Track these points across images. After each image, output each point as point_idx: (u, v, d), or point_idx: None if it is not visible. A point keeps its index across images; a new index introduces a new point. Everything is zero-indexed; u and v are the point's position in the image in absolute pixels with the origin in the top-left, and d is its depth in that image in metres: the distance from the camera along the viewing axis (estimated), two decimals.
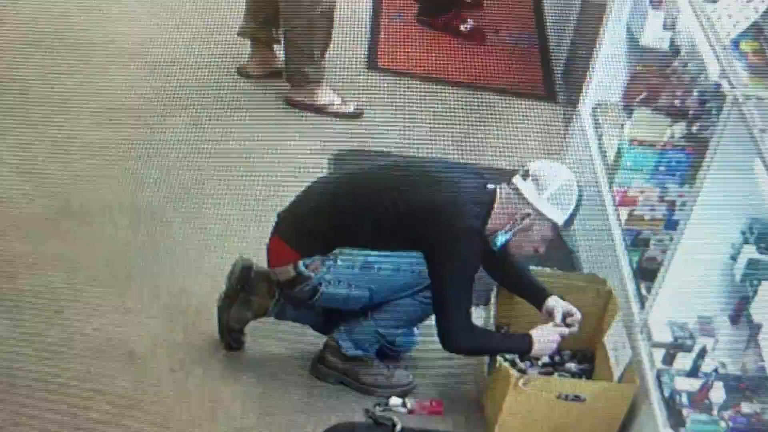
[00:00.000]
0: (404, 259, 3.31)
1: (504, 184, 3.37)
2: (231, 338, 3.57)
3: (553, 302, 3.46)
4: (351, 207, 3.37)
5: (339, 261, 3.33)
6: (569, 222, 3.35)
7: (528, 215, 3.30)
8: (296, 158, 4.57)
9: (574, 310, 3.45)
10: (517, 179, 3.34)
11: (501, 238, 3.33)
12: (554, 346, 3.42)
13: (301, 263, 3.35)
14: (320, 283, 3.35)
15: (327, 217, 3.40)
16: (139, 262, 3.91)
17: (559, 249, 3.44)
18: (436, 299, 3.32)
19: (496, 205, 3.34)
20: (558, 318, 3.43)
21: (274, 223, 3.47)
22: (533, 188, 3.30)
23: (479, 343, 3.42)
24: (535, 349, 3.40)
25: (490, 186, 3.39)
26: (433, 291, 3.32)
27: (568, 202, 3.32)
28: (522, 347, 3.42)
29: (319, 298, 3.39)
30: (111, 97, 4.79)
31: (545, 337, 3.40)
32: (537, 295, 3.51)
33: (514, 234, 3.33)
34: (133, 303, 3.72)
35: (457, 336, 3.33)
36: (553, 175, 3.33)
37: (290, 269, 3.37)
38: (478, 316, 3.56)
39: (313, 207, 3.44)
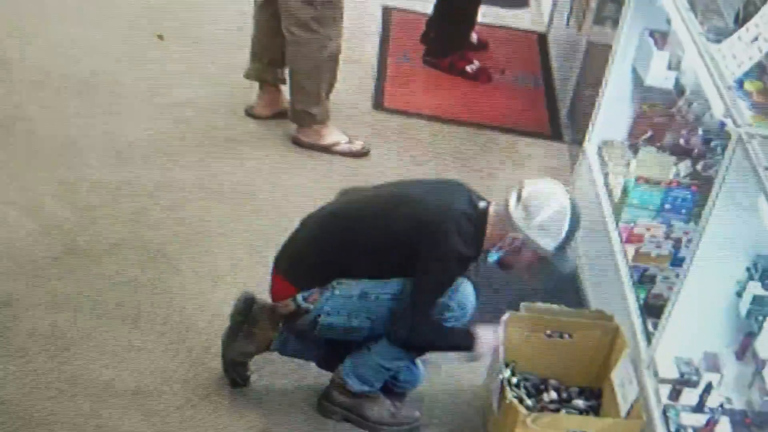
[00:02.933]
0: (401, 288, 3.35)
1: (497, 204, 3.40)
2: (236, 373, 3.62)
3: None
4: (342, 237, 3.42)
5: (337, 291, 3.37)
6: (561, 248, 3.36)
7: (517, 239, 3.34)
8: (303, 197, 4.58)
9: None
10: (511, 200, 3.35)
11: (492, 256, 3.38)
12: (494, 344, 3.46)
13: (299, 296, 3.41)
14: (319, 315, 3.40)
15: (319, 249, 3.45)
16: (146, 299, 3.95)
17: (567, 286, 3.46)
18: (411, 301, 3.32)
19: (490, 222, 3.37)
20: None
21: (274, 259, 3.54)
22: (522, 215, 3.32)
23: (429, 338, 3.40)
24: (478, 350, 3.43)
25: (482, 204, 3.43)
26: (412, 295, 3.33)
27: (559, 230, 3.34)
28: (467, 345, 3.43)
29: (320, 330, 3.43)
30: (119, 137, 4.86)
31: (486, 336, 3.43)
32: None
33: (504, 253, 3.37)
34: (140, 341, 3.77)
35: (412, 335, 3.34)
36: (544, 203, 3.34)
37: (290, 303, 3.43)
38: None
39: (306, 240, 3.50)
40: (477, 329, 3.43)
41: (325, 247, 3.45)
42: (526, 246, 3.35)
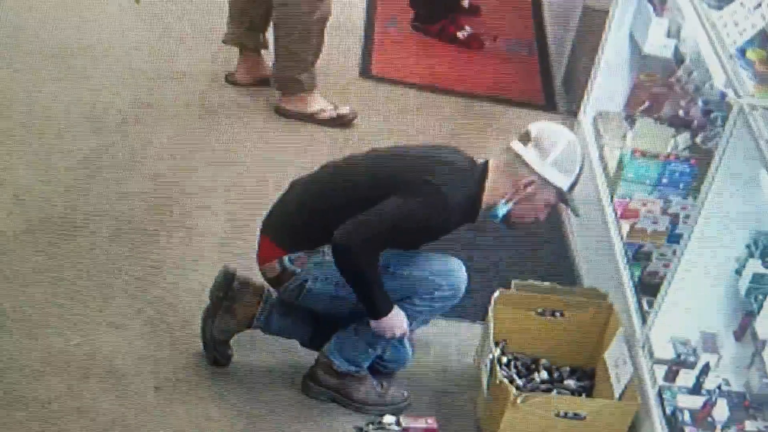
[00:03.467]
0: (393, 260, 3.35)
1: (502, 155, 3.38)
2: (216, 352, 3.61)
3: None
4: (333, 197, 3.41)
5: (327, 257, 3.34)
6: (573, 186, 3.36)
7: (532, 182, 3.31)
8: (287, 167, 4.55)
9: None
10: (516, 145, 3.34)
11: (502, 209, 3.35)
12: (400, 332, 3.41)
13: (286, 258, 3.40)
14: (306, 280, 3.40)
15: (310, 210, 3.44)
16: (123, 275, 3.95)
17: (560, 259, 3.47)
18: (368, 214, 3.27)
19: (492, 176, 3.36)
20: None
21: (261, 221, 3.54)
22: (536, 154, 3.31)
23: (364, 263, 3.28)
24: (384, 324, 3.37)
25: (480, 160, 3.42)
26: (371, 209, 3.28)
27: (573, 166, 3.34)
28: (381, 309, 3.36)
29: (305, 296, 3.43)
30: (94, 105, 4.85)
31: (399, 318, 3.39)
32: None
33: (515, 203, 3.35)
34: (116, 318, 3.76)
35: (354, 240, 3.25)
36: (556, 138, 3.33)
37: (276, 265, 3.42)
38: (476, 331, 3.60)
39: (295, 202, 3.49)
40: (397, 307, 3.39)
41: (315, 209, 3.44)
42: (540, 189, 3.33)
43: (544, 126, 3.39)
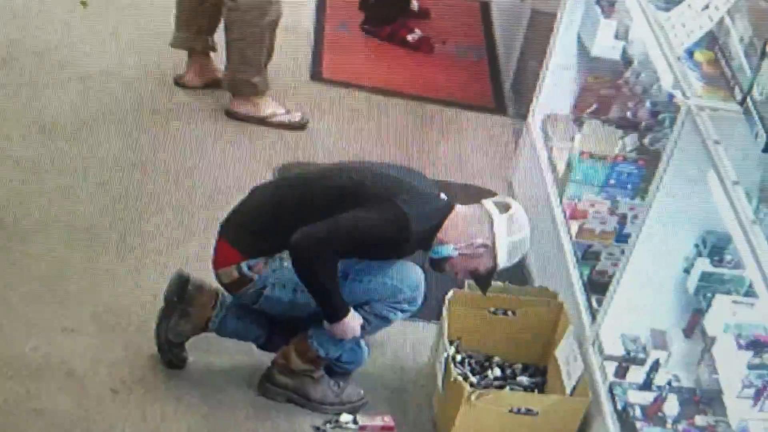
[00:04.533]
0: (353, 268, 3.44)
1: (472, 204, 3.50)
2: (171, 354, 3.67)
3: None
4: (293, 205, 3.47)
5: (285, 263, 3.42)
6: (500, 270, 3.51)
7: (485, 246, 3.43)
8: (239, 171, 4.66)
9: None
10: (491, 207, 3.46)
11: (446, 251, 3.45)
12: (352, 335, 3.50)
13: (244, 264, 3.46)
14: (264, 286, 3.46)
15: (269, 217, 3.49)
16: (77, 279, 3.99)
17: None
18: (329, 219, 3.35)
19: (454, 219, 3.46)
20: None
21: (219, 226, 3.58)
22: (505, 227, 3.43)
23: (319, 264, 3.35)
24: (340, 327, 3.46)
25: (443, 197, 3.52)
26: (331, 215, 3.35)
27: (516, 255, 3.50)
28: (337, 312, 3.44)
29: (263, 302, 3.50)
30: (42, 110, 4.87)
31: (354, 322, 3.48)
32: None
33: (459, 254, 3.45)
34: (71, 322, 3.80)
35: (311, 244, 3.32)
36: (524, 225, 3.48)
37: (233, 270, 3.48)
38: (431, 330, 3.70)
39: (256, 207, 3.55)
40: (353, 310, 3.48)
41: (276, 216, 3.49)
42: (484, 256, 3.45)
43: (520, 208, 3.51)
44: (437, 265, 3.52)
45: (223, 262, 3.52)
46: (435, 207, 3.48)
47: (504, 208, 3.46)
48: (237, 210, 3.59)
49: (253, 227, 3.52)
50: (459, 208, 3.50)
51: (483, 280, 3.54)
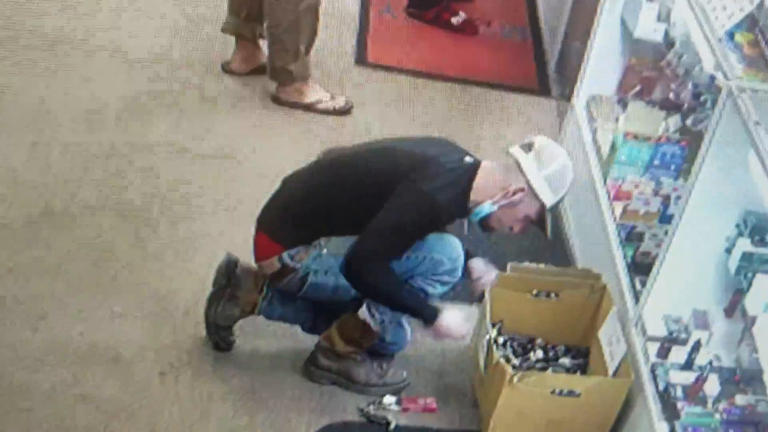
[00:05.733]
0: None
1: (493, 160, 3.51)
2: (219, 337, 3.75)
3: (474, 263, 3.66)
4: (325, 192, 3.52)
5: (325, 250, 3.48)
6: (556, 206, 3.50)
7: (521, 190, 3.43)
8: (284, 157, 4.69)
9: (488, 271, 3.65)
10: (516, 151, 3.46)
11: (485, 209, 3.45)
12: (459, 333, 3.52)
13: (285, 254, 3.51)
14: (307, 274, 3.51)
15: (304, 204, 3.55)
16: (125, 265, 4.08)
17: (555, 241, 3.59)
18: (370, 226, 3.38)
19: (483, 176, 3.46)
20: (474, 275, 3.63)
21: (256, 219, 3.65)
22: (534, 164, 3.43)
23: (382, 279, 3.41)
24: (441, 328, 3.47)
25: (468, 159, 3.52)
26: (370, 225, 3.38)
27: (562, 186, 3.47)
28: (425, 315, 3.47)
29: (308, 289, 3.55)
30: (91, 96, 4.96)
31: (454, 323, 3.49)
32: None
33: (499, 207, 3.46)
34: (119, 307, 3.88)
35: (364, 261, 3.37)
36: (555, 156, 3.46)
37: (275, 262, 3.54)
38: (473, 313, 3.75)
39: (290, 197, 3.60)
40: (447, 309, 3.50)
41: (310, 203, 3.55)
42: (525, 200, 3.45)
43: (547, 141, 3.51)
44: (485, 226, 3.54)
45: (264, 255, 3.59)
46: (457, 172, 3.47)
47: (528, 147, 3.46)
48: (271, 202, 3.65)
49: (289, 217, 3.57)
50: (485, 164, 3.50)
51: (539, 223, 3.52)
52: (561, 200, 3.53)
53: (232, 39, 5.29)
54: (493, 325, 3.77)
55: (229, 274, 3.69)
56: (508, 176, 3.45)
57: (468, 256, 3.64)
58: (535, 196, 3.45)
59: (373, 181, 3.45)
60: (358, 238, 3.40)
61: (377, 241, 3.39)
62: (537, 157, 3.44)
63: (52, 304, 3.86)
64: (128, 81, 5.13)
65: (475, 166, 3.50)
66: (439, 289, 3.56)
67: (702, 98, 4.12)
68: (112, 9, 5.62)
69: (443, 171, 3.44)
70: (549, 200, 3.46)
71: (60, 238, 4.15)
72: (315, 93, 5.14)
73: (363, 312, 3.56)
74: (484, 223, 3.53)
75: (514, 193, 3.44)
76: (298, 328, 3.82)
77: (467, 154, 3.57)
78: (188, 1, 5.75)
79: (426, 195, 3.38)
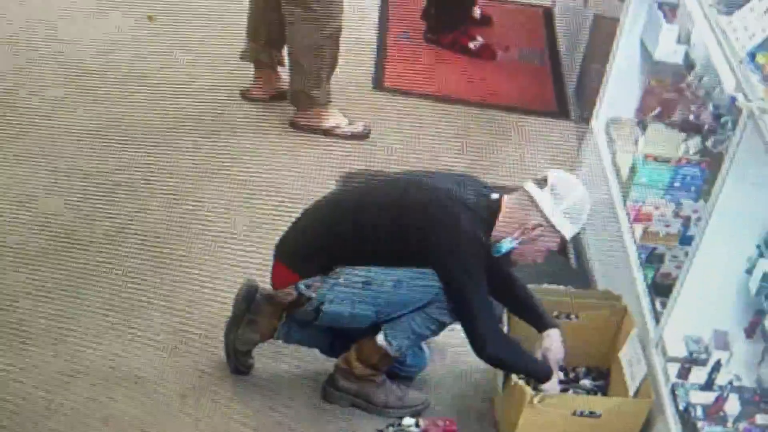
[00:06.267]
0: (406, 274, 3.49)
1: (515, 192, 3.54)
2: (238, 362, 3.78)
3: (546, 340, 3.68)
4: (345, 223, 3.57)
5: (341, 279, 3.52)
6: (574, 237, 3.55)
7: (539, 226, 3.48)
8: (304, 181, 4.77)
9: (555, 351, 3.67)
10: (530, 187, 3.50)
11: (506, 245, 3.50)
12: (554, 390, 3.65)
13: (301, 284, 3.55)
14: (322, 303, 3.54)
15: (322, 235, 3.60)
16: (145, 288, 4.12)
17: (568, 266, 3.63)
18: (457, 311, 3.49)
19: (504, 211, 3.51)
20: (536, 354, 3.67)
21: (273, 248, 3.69)
22: (550, 200, 3.47)
23: (511, 353, 3.56)
24: (548, 384, 3.61)
25: (494, 195, 3.56)
26: (451, 304, 3.48)
27: (580, 217, 3.51)
28: (541, 375, 3.61)
29: (323, 318, 3.58)
30: (112, 123, 5.02)
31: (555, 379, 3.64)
32: (537, 324, 3.73)
33: (519, 243, 3.50)
34: (139, 330, 3.93)
35: (489, 343, 3.48)
36: (571, 188, 3.50)
37: (292, 291, 3.58)
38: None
39: (309, 227, 3.65)
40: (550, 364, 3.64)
41: (329, 234, 3.59)
42: (545, 234, 3.49)
43: (561, 174, 3.55)
44: (507, 261, 3.58)
45: (281, 284, 3.64)
46: (484, 209, 3.51)
47: (543, 182, 3.49)
48: (290, 232, 3.69)
49: (308, 248, 3.62)
50: (505, 201, 3.54)
51: (561, 252, 3.57)
52: (580, 229, 3.57)
53: (251, 66, 5.33)
54: None
55: (248, 301, 3.73)
56: (527, 212, 3.49)
57: (547, 324, 3.71)
58: (555, 231, 3.49)
59: (393, 217, 3.50)
60: (463, 326, 3.50)
61: (478, 317, 3.47)
62: (552, 192, 3.47)
63: (73, 327, 3.90)
64: (148, 107, 5.18)
65: (498, 203, 3.54)
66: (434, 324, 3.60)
67: (722, 120, 4.12)
68: (133, 38, 5.68)
69: (471, 208, 3.48)
70: (569, 233, 3.51)
71: (80, 262, 4.20)
72: (333, 118, 5.19)
73: (380, 339, 3.60)
74: (505, 259, 3.57)
75: (533, 229, 3.48)
76: (316, 351, 3.85)
77: (491, 189, 3.61)
78: (208, 31, 5.79)
79: (465, 232, 3.43)
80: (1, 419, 3.51)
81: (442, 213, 3.45)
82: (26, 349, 3.78)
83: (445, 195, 3.49)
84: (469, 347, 3.54)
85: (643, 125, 4.56)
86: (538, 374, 3.62)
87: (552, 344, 3.66)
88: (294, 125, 5.20)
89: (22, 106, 5.06)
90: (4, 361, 3.72)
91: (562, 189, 3.48)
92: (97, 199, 4.54)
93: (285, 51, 5.18)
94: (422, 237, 3.45)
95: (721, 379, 3.50)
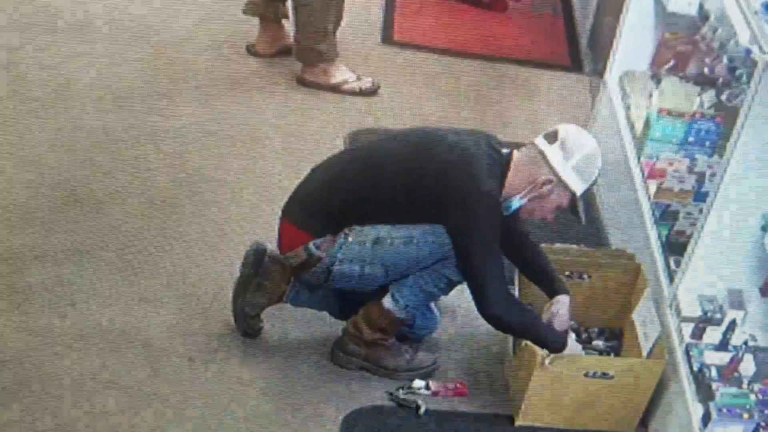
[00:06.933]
0: (416, 230, 3.46)
1: (524, 147, 3.51)
2: (247, 325, 3.78)
3: (549, 304, 3.67)
4: (357, 181, 3.54)
5: (350, 239, 3.50)
6: (587, 192, 3.51)
7: (549, 182, 3.45)
8: (311, 138, 4.76)
9: (562, 318, 3.65)
10: (540, 142, 3.47)
11: (515, 203, 3.48)
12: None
13: (311, 244, 3.54)
14: (333, 263, 3.53)
15: (333, 194, 3.57)
16: (152, 250, 4.12)
17: (580, 224, 3.60)
18: (465, 270, 3.46)
19: (514, 167, 3.48)
20: (552, 308, 3.65)
21: (281, 208, 3.68)
22: (560, 155, 3.44)
23: (518, 316, 3.53)
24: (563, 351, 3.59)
25: (505, 150, 3.53)
26: (459, 262, 3.45)
27: (591, 173, 3.48)
28: (556, 344, 3.57)
29: (333, 279, 3.58)
30: (115, 80, 5.02)
31: (572, 347, 3.62)
32: (547, 290, 3.72)
33: (529, 199, 3.48)
34: (147, 292, 3.93)
35: (493, 303, 3.44)
36: (581, 143, 3.47)
37: (301, 252, 3.56)
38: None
39: (319, 185, 3.63)
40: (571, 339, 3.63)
41: (341, 192, 3.57)
42: (555, 190, 3.47)
43: (571, 129, 3.52)
44: (517, 218, 3.57)
45: (289, 244, 3.61)
46: (496, 165, 3.48)
47: (552, 137, 3.46)
48: (299, 190, 3.66)
49: (319, 207, 3.59)
50: (515, 156, 3.51)
51: (572, 210, 3.54)
52: (592, 186, 3.55)
53: (256, 20, 5.31)
54: None
55: (257, 264, 3.72)
56: (536, 168, 3.46)
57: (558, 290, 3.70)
58: (565, 187, 3.47)
59: (409, 174, 3.47)
60: (470, 287, 3.48)
61: (487, 279, 3.44)
62: (562, 147, 3.45)
63: (80, 291, 3.91)
64: (152, 63, 5.18)
65: (508, 159, 3.52)
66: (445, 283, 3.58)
67: (737, 73, 4.12)
68: None
69: (485, 165, 3.45)
70: (579, 189, 3.48)
71: (87, 223, 4.20)
72: (341, 73, 5.17)
73: (387, 301, 3.60)
74: (515, 215, 3.55)
75: (543, 185, 3.46)
76: (325, 314, 3.86)
77: (503, 145, 3.58)
78: None
79: (485, 194, 3.40)
80: (7, 383, 3.53)
81: (460, 173, 3.43)
82: (33, 312, 3.79)
83: (461, 153, 3.46)
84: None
85: (657, 79, 4.54)
86: (547, 343, 3.57)
87: (559, 310, 3.64)
88: (301, 81, 5.19)
89: (21, 61, 5.06)
90: (9, 325, 3.73)
91: (572, 144, 3.46)
92: (101, 158, 4.54)
93: (288, 4, 5.15)
94: (439, 196, 3.43)
95: (735, 339, 3.49)
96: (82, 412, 3.49)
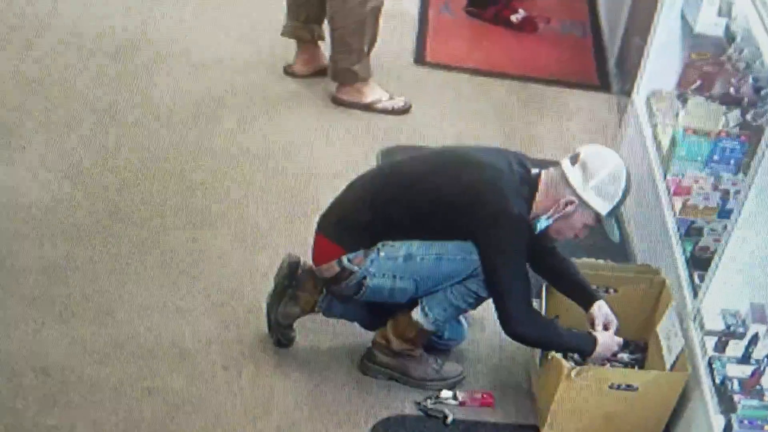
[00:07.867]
0: (447, 248, 3.50)
1: (551, 168, 3.53)
2: (280, 334, 3.83)
3: (596, 310, 3.69)
4: (391, 197, 3.57)
5: (382, 254, 3.53)
6: (613, 212, 3.50)
7: (571, 202, 3.47)
8: (345, 156, 4.81)
9: (613, 317, 3.68)
10: (565, 163, 3.49)
11: (542, 223, 3.51)
12: (610, 353, 3.67)
13: (345, 258, 3.57)
14: (365, 277, 3.56)
15: (368, 209, 3.60)
16: (189, 263, 4.18)
17: (607, 240, 3.62)
18: (491, 288, 3.49)
19: (541, 188, 3.50)
20: (598, 327, 3.66)
21: (316, 222, 3.71)
22: (580, 175, 3.45)
23: (541, 332, 3.56)
24: (597, 352, 3.62)
25: (535, 170, 3.56)
26: (486, 280, 3.48)
27: (614, 193, 3.47)
28: (585, 347, 3.61)
29: (365, 292, 3.61)
30: (156, 100, 5.09)
31: (607, 343, 3.63)
32: (582, 299, 3.74)
33: (555, 220, 3.51)
34: (184, 302, 3.99)
35: (517, 323, 3.47)
36: (602, 164, 3.47)
37: (334, 265, 3.59)
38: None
39: (353, 201, 3.66)
40: (597, 334, 3.63)
41: (372, 209, 3.60)
42: (578, 211, 3.49)
43: (593, 149, 3.53)
44: (548, 238, 3.59)
45: (323, 258, 3.64)
46: (525, 186, 3.51)
47: (574, 159, 3.48)
48: (334, 205, 3.70)
49: (353, 222, 3.61)
50: (542, 177, 3.53)
51: (602, 228, 3.54)
52: (619, 205, 3.53)
53: (293, 43, 5.36)
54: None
55: (291, 276, 3.76)
56: (560, 189, 3.48)
57: (594, 297, 3.73)
58: (587, 207, 3.48)
59: (440, 192, 3.50)
60: (495, 305, 3.50)
61: (512, 299, 3.47)
62: (583, 169, 3.46)
63: (119, 300, 3.97)
64: (193, 84, 5.25)
65: (538, 177, 3.54)
66: (472, 298, 3.61)
67: (762, 92, 4.14)
68: (177, 16, 5.75)
69: (515, 186, 3.48)
70: (602, 209, 3.48)
71: (126, 236, 4.27)
72: (374, 93, 5.21)
73: (416, 313, 3.63)
74: (545, 235, 3.58)
75: (566, 206, 3.48)
76: (355, 325, 3.89)
77: (533, 165, 3.61)
78: (251, 6, 5.86)
79: (514, 215, 3.42)
80: (48, 390, 3.59)
81: (491, 193, 3.44)
82: (73, 321, 3.86)
83: (493, 173, 3.49)
84: None
85: (683, 98, 4.54)
86: (577, 349, 3.63)
87: (607, 312, 3.68)
88: (335, 101, 5.24)
89: (68, 82, 5.13)
90: (51, 334, 3.79)
91: (593, 165, 3.46)
92: (142, 174, 4.61)
93: (325, 26, 5.21)
94: (469, 215, 3.45)
95: (758, 353, 3.49)
96: (121, 418, 3.54)
